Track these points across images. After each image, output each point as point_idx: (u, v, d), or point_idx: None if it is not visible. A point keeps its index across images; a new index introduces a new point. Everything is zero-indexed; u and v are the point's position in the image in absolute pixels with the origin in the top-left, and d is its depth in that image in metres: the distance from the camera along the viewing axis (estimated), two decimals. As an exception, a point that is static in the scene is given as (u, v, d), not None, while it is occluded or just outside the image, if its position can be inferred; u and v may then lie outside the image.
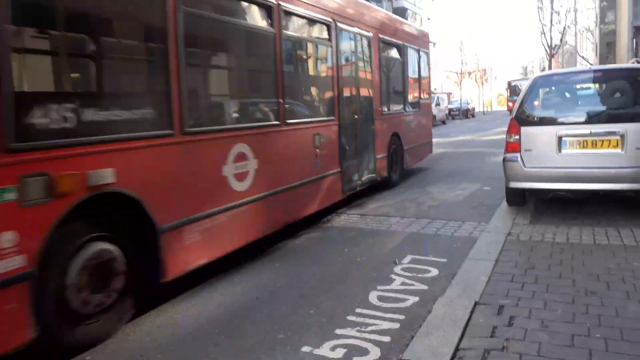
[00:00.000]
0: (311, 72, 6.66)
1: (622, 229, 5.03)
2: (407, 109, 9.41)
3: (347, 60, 6.98)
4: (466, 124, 29.82)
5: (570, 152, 5.47)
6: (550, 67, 33.29)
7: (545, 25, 31.29)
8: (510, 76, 52.36)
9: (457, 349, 2.83)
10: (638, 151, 5.16)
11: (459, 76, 56.33)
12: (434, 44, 55.95)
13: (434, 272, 4.24)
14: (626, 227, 5.05)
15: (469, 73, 60.82)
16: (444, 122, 31.34)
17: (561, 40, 31.79)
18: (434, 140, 11.67)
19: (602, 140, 5.33)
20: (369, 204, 7.20)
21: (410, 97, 9.71)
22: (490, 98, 62.91)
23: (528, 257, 4.36)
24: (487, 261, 4.33)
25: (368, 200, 7.51)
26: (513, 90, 32.73)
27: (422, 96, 10.37)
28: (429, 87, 11.17)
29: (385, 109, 8.27)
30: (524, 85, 5.79)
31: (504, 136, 5.96)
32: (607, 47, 38.87)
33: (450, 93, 46.13)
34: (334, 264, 4.59)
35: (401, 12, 34.85)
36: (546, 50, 31.91)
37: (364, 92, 7.44)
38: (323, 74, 6.67)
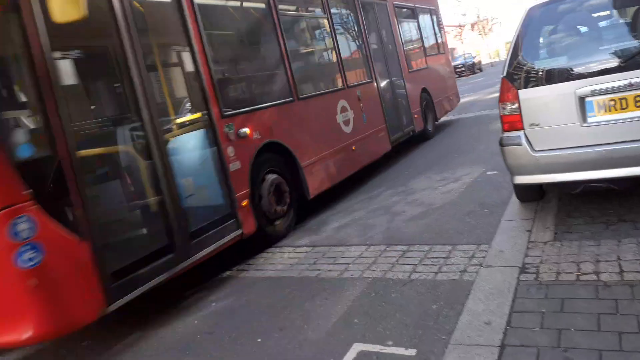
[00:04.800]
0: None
1: None
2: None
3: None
4: (472, 80, 27.09)
5: (600, 120, 3.46)
6: None
7: None
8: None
9: None
10: None
11: (460, 30, 52.95)
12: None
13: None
14: None
15: (472, 25, 57.04)
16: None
17: None
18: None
19: (651, 95, 3.31)
20: (329, 223, 5.29)
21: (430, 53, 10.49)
22: (497, 47, 59.15)
23: (559, 330, 2.44)
24: (486, 348, 2.43)
25: (331, 214, 5.60)
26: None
27: (440, 50, 11.37)
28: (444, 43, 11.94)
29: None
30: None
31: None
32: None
33: (454, 49, 42.73)
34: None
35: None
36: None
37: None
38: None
